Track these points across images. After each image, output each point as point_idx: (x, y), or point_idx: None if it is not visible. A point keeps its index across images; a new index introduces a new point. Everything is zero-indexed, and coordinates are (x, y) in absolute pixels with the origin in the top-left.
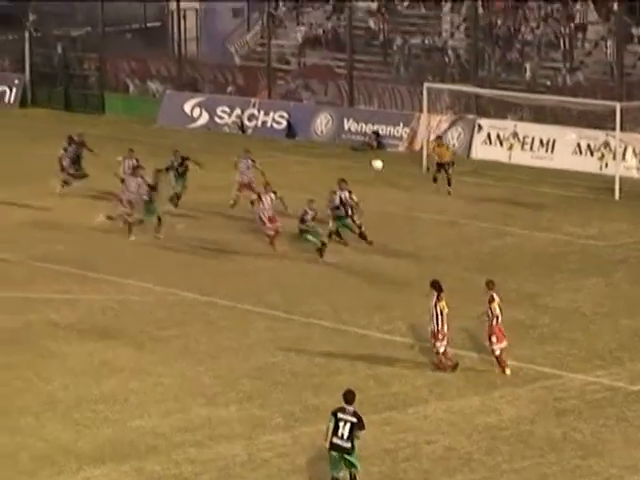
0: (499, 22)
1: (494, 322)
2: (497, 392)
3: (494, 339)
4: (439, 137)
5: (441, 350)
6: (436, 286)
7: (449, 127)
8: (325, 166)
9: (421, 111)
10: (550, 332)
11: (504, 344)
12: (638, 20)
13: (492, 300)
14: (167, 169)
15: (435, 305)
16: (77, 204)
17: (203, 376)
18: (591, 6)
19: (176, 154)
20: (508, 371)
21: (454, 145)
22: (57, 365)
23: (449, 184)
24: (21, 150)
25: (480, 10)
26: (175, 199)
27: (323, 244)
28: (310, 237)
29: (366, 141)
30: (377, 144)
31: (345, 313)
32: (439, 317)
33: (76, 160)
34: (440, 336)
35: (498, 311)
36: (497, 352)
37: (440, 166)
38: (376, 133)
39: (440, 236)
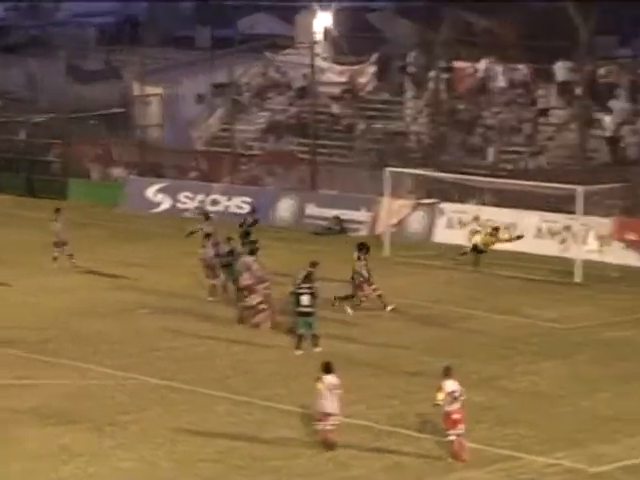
0: (462, 107)
1: (444, 409)
2: (455, 475)
3: (445, 425)
4: (496, 229)
5: (320, 428)
6: (323, 366)
7: (411, 212)
8: (288, 251)
9: (383, 195)
10: (509, 414)
11: (454, 431)
12: (600, 104)
13: (439, 389)
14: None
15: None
16: (37, 286)
17: (162, 460)
18: (554, 91)
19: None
20: (450, 460)
21: (415, 229)
22: (15, 450)
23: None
24: None
25: (443, 95)
26: None
27: None
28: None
29: (328, 226)
30: (339, 229)
31: (304, 397)
32: (324, 398)
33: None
34: (320, 417)
35: (440, 401)
36: (451, 437)
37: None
38: (337, 218)
39: (402, 320)
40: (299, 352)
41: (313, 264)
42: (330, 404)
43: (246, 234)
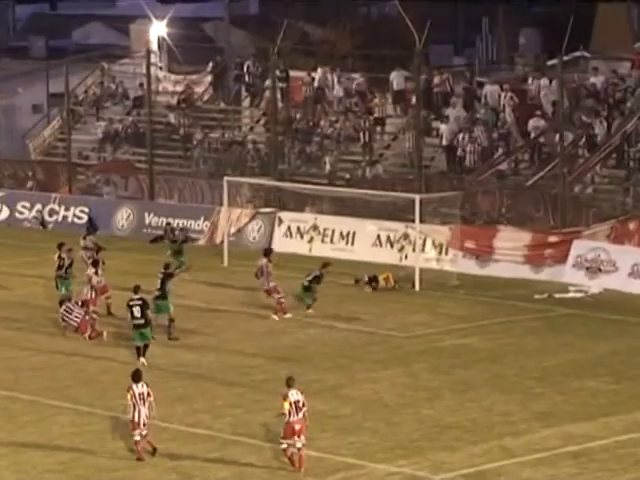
0: (298, 116)
1: (286, 419)
2: None
3: (282, 434)
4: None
5: (136, 439)
6: (132, 375)
7: (249, 221)
8: (125, 260)
9: (221, 205)
10: (352, 423)
11: (291, 441)
12: (436, 113)
13: (284, 398)
14: None
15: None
16: None
17: (5, 471)
18: (389, 100)
19: None
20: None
21: (254, 238)
22: None
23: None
24: None
25: (279, 104)
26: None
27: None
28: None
29: (160, 234)
30: (172, 236)
31: None
32: (134, 407)
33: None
34: (133, 426)
35: (286, 410)
36: (283, 446)
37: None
38: (169, 224)
39: (242, 329)
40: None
41: (166, 266)
42: (141, 413)
43: (179, 252)
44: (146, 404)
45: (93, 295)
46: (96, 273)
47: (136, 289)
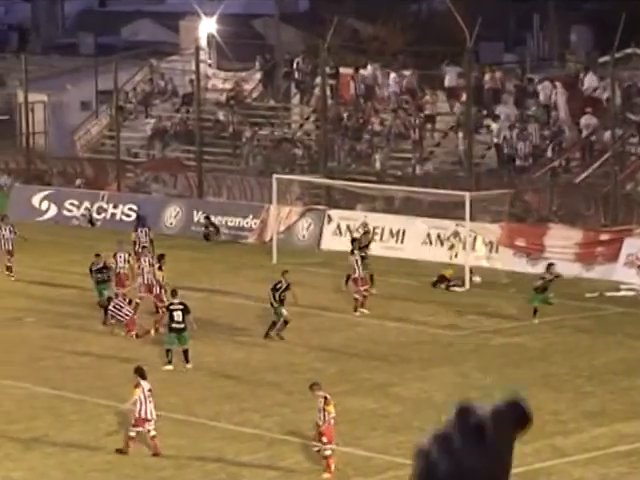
0: (348, 113)
1: (329, 423)
2: None
3: (325, 439)
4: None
5: (132, 435)
6: (138, 372)
7: (299, 218)
8: (174, 258)
9: (271, 202)
10: (402, 421)
11: (334, 445)
12: (487, 110)
13: (329, 402)
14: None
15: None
16: None
17: (53, 470)
18: (440, 97)
19: None
20: (326, 475)
21: (303, 236)
22: None
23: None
24: None
25: (329, 101)
26: None
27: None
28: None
29: (206, 231)
30: (215, 232)
31: (196, 405)
32: (143, 402)
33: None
34: (138, 421)
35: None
36: (328, 452)
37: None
38: (207, 218)
39: (291, 327)
40: (168, 367)
41: (284, 273)
42: (148, 409)
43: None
44: (151, 400)
45: (160, 291)
46: (160, 268)
47: (173, 293)
